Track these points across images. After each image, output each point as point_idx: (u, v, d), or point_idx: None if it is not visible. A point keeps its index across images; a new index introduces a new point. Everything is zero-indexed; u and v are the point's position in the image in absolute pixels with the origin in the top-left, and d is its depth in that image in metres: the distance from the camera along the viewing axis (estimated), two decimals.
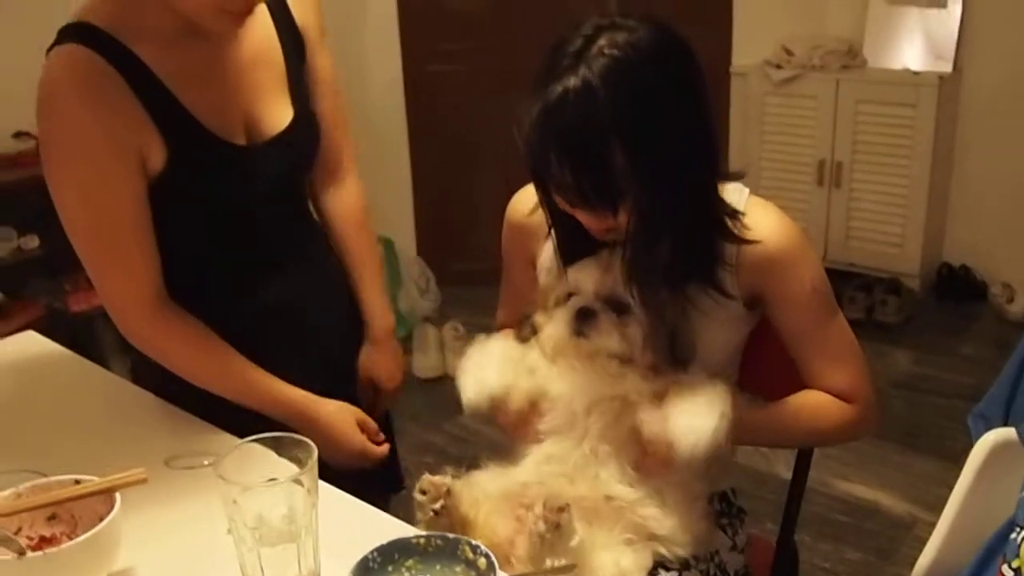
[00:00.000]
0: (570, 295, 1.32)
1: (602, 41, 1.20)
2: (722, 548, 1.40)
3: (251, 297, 1.52)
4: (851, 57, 3.85)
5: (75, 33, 1.31)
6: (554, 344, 1.32)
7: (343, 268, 1.65)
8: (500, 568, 1.03)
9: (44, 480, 1.11)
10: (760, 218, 1.34)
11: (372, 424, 1.56)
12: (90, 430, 1.47)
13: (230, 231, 1.48)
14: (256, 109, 1.45)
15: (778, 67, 3.89)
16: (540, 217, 1.41)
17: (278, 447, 1.06)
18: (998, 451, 1.26)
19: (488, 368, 1.35)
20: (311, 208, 1.65)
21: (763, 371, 1.46)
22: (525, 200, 1.47)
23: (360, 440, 1.52)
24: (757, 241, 1.32)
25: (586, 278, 1.32)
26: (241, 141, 1.43)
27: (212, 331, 1.44)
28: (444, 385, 3.39)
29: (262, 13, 1.46)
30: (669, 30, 1.25)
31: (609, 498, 1.25)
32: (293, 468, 1.04)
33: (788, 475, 1.57)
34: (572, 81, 1.18)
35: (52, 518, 1.10)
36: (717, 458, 1.25)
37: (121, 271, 1.39)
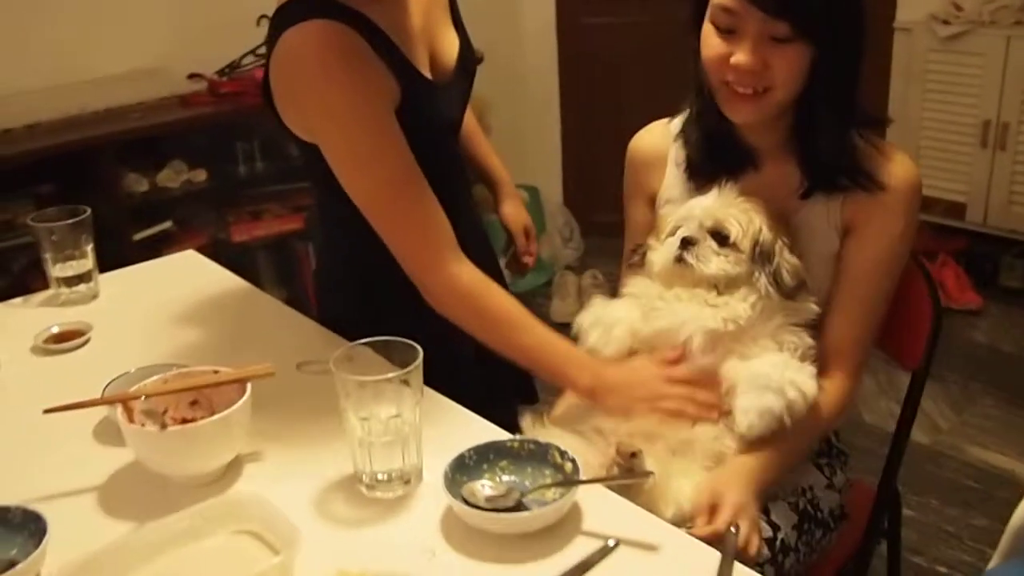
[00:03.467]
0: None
1: None
2: (816, 485, 1.42)
3: None
4: None
5: (311, 9, 1.33)
6: (659, 271, 1.38)
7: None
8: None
9: (188, 369, 1.25)
10: (896, 154, 1.38)
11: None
12: (237, 337, 1.60)
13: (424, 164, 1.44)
14: (437, 45, 1.53)
15: (945, 22, 3.72)
16: (658, 152, 1.48)
17: (388, 350, 1.15)
18: None
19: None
20: None
21: None
22: (647, 137, 1.53)
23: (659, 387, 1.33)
24: (892, 162, 1.36)
25: (697, 209, 1.37)
26: (430, 76, 1.48)
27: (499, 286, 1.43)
28: None
29: None
30: None
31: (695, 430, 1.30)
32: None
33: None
34: None
35: (194, 403, 1.22)
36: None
37: (427, 221, 1.38)
